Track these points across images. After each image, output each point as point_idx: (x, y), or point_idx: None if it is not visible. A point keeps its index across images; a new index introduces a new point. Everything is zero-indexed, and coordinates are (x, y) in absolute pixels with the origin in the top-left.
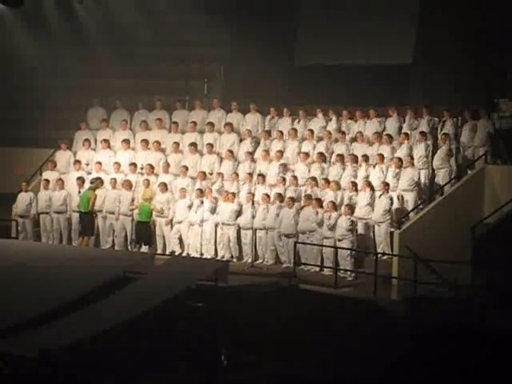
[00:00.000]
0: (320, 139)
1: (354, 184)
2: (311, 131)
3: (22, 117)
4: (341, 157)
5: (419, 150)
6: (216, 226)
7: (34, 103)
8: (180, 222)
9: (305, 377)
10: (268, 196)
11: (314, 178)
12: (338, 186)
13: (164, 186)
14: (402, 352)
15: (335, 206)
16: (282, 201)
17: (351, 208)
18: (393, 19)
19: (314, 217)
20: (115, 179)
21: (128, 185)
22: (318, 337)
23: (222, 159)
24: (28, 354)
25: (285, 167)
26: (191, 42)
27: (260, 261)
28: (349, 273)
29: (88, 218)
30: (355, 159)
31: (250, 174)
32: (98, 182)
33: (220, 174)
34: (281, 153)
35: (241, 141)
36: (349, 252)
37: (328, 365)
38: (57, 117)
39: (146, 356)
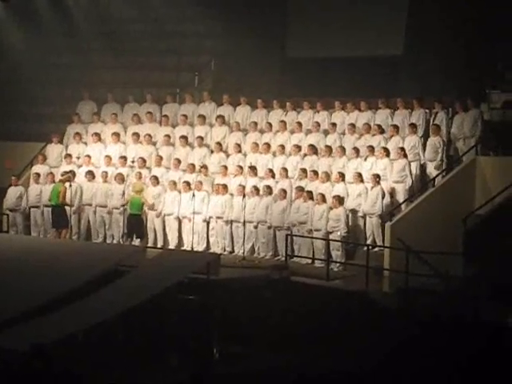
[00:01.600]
0: (309, 131)
1: (342, 175)
2: (299, 123)
3: (12, 110)
4: (330, 149)
5: (410, 142)
6: (208, 218)
7: (24, 97)
8: (170, 215)
9: (296, 369)
10: (257, 189)
11: (304, 170)
12: (328, 178)
13: (155, 179)
14: (394, 344)
15: (324, 198)
16: (271, 193)
17: (339, 199)
18: (383, 9)
19: (304, 209)
20: (106, 172)
21: (120, 178)
22: (309, 329)
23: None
24: (19, 349)
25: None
26: (182, 34)
27: (251, 253)
28: (337, 264)
29: (59, 210)
30: (343, 151)
31: (240, 167)
32: (68, 175)
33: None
34: (268, 145)
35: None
36: (339, 244)
37: (320, 357)
38: (47, 110)
39: (139, 349)
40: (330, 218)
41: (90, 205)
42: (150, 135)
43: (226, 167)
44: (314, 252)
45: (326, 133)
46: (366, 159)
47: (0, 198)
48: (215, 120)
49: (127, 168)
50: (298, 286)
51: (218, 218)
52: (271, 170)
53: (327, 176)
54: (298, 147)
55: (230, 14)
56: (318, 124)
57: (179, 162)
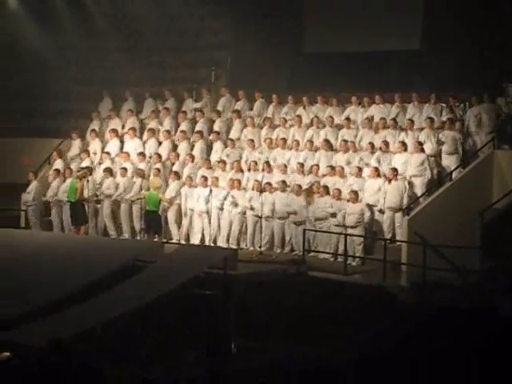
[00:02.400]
0: (325, 126)
1: (360, 170)
2: (317, 118)
3: (31, 107)
4: (346, 143)
5: (427, 137)
6: (226, 213)
7: (43, 94)
8: (192, 210)
9: (313, 363)
10: (271, 184)
11: (320, 166)
12: (345, 173)
13: (175, 175)
14: (412, 338)
15: (341, 193)
16: (287, 188)
17: (356, 194)
18: (400, 4)
19: (324, 205)
20: (124, 168)
21: (138, 174)
22: (327, 323)
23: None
24: (37, 344)
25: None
26: (198, 31)
27: (267, 248)
28: (355, 258)
29: (78, 206)
30: (353, 146)
31: (256, 162)
32: (85, 171)
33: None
34: (284, 140)
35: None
36: (359, 239)
37: (337, 351)
38: (66, 107)
39: (156, 343)
40: (348, 212)
41: (108, 200)
42: (167, 131)
43: (241, 162)
44: (331, 247)
45: (341, 127)
46: (383, 154)
47: (17, 194)
48: (231, 115)
49: (145, 164)
50: (316, 280)
51: (236, 213)
52: (286, 166)
53: (344, 171)
54: (314, 142)
55: (246, 9)
56: (334, 119)
57: (193, 157)
